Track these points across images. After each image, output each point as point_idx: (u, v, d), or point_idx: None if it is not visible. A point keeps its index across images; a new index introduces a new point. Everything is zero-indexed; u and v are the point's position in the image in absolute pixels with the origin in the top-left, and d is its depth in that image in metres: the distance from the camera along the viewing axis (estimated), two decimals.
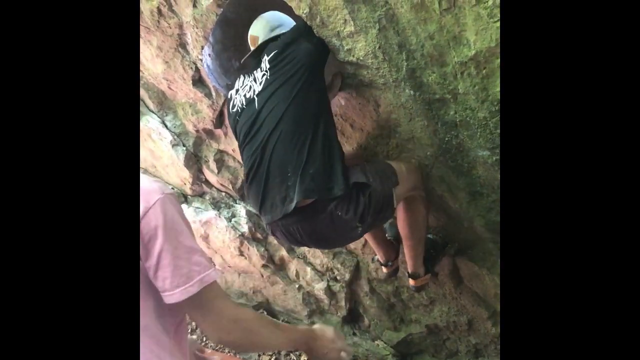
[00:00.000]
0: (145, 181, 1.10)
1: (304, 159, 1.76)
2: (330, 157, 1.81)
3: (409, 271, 2.35)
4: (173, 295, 1.07)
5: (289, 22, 2.08)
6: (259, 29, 2.11)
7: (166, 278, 1.07)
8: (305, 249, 3.14)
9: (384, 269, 2.56)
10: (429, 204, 2.21)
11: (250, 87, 1.98)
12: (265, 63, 1.94)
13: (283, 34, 2.02)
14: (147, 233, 1.05)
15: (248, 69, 2.07)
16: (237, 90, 2.08)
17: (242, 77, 2.09)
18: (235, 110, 2.05)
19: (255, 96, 1.93)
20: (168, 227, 1.06)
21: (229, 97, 2.16)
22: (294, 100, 1.81)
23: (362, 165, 1.96)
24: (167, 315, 1.14)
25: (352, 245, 2.97)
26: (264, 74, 1.92)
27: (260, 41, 2.09)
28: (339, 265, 3.05)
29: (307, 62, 1.86)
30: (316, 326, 1.40)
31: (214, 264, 3.30)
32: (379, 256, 2.55)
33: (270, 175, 1.83)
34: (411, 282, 2.38)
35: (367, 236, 2.39)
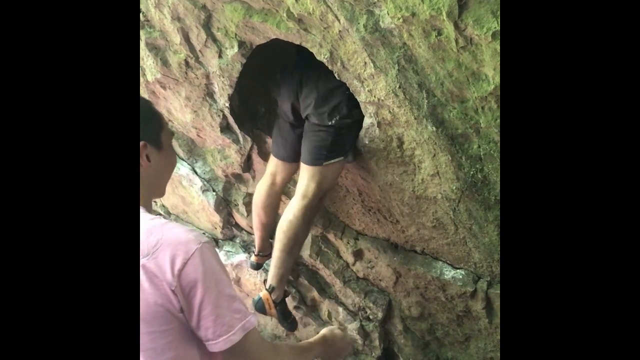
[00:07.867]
0: (181, 231, 1.11)
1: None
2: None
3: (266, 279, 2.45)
4: (217, 344, 1.09)
5: None
6: None
7: (208, 328, 1.08)
8: (336, 290, 3.13)
9: (254, 257, 2.83)
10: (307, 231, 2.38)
11: None
12: None
13: None
14: (187, 285, 1.05)
15: None
16: None
17: None
18: None
19: None
20: (208, 277, 1.07)
21: None
22: None
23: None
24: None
25: (383, 284, 2.95)
26: None
27: None
28: (371, 304, 3.02)
29: None
30: (324, 332, 1.54)
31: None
32: (256, 243, 2.78)
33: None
34: (262, 293, 2.43)
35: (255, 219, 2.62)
